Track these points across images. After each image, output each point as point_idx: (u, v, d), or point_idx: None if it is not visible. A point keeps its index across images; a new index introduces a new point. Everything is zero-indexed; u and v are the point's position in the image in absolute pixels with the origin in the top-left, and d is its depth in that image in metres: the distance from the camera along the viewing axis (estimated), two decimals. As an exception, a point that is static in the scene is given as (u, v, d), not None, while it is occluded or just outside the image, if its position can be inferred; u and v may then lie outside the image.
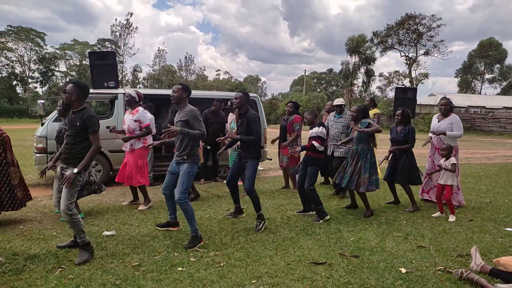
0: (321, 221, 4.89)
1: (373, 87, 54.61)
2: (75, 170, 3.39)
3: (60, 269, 3.25)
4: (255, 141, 4.60)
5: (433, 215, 5.31)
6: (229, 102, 6.95)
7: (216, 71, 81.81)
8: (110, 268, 3.31)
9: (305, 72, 62.59)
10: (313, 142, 4.97)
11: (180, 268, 3.35)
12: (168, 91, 8.55)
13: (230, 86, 57.47)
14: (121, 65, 50.35)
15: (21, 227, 4.44)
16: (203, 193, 6.49)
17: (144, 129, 5.39)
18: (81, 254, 3.46)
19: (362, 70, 48.18)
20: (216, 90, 41.78)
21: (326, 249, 3.91)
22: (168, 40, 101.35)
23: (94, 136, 3.51)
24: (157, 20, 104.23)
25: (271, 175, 8.86)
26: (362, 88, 49.75)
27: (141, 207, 5.46)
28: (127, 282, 3.05)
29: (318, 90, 66.04)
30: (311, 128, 5.15)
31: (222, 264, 3.46)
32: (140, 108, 5.44)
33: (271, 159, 8.79)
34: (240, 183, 6.98)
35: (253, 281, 3.11)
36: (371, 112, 7.33)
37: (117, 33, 52.63)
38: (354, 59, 47.49)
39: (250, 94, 8.82)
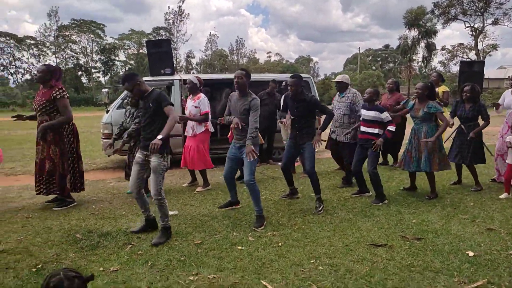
0: (380, 203, 4.76)
1: (435, 62, 51.37)
2: (160, 137, 3.38)
3: (130, 246, 3.50)
4: (332, 115, 4.83)
5: (500, 196, 4.97)
6: (283, 83, 6.93)
7: (267, 53, 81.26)
8: (175, 245, 3.50)
9: (359, 50, 60.52)
10: (389, 128, 4.82)
11: (239, 247, 3.46)
12: (222, 76, 8.65)
13: (282, 68, 57.03)
14: (175, 52, 51.77)
15: (93, 207, 4.82)
16: (258, 175, 6.57)
17: (202, 116, 5.52)
18: (160, 235, 3.62)
19: (422, 44, 45.28)
20: (267, 73, 41.71)
21: (386, 231, 3.82)
22: (219, 24, 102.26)
23: (168, 108, 3.53)
24: (208, 6, 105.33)
25: (325, 157, 8.75)
26: (422, 64, 47.00)
27: (199, 189, 5.67)
28: (191, 259, 3.21)
29: (374, 68, 63.46)
30: (365, 108, 4.97)
31: (280, 244, 3.52)
32: (202, 95, 5.58)
33: (324, 141, 8.66)
34: (297, 163, 7.07)
35: (312, 261, 3.14)
36: (439, 90, 6.87)
37: (170, 21, 54.03)
38: (413, 33, 44.67)
39: (303, 76, 8.72)
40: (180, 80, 7.72)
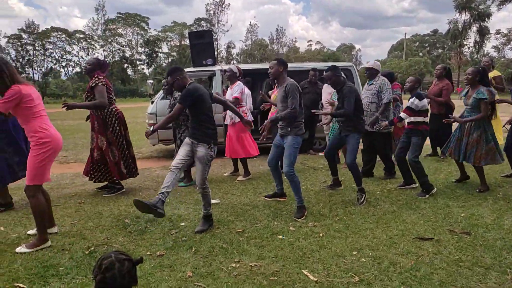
0: (426, 195, 4.59)
1: (487, 47, 48.22)
2: (151, 128, 3.73)
3: (175, 232, 3.63)
4: (347, 114, 4.40)
5: None
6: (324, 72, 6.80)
7: (308, 41, 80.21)
8: (217, 233, 3.58)
9: (405, 36, 57.85)
10: (401, 114, 4.67)
11: (280, 236, 3.48)
12: (263, 65, 8.64)
13: (323, 56, 55.94)
14: (216, 42, 52.29)
15: (140, 194, 5.03)
16: (298, 165, 6.54)
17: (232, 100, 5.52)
18: (202, 223, 3.71)
19: (474, 28, 42.74)
20: (307, 62, 41.10)
21: (432, 225, 3.69)
22: (260, 13, 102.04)
23: (176, 106, 3.65)
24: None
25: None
26: (473, 49, 44.32)
27: (240, 178, 5.74)
28: (233, 246, 3.28)
29: (421, 54, 60.65)
30: (412, 97, 4.78)
31: (321, 234, 3.50)
32: (238, 82, 5.62)
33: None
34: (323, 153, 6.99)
35: (354, 253, 3.10)
36: (491, 75, 6.47)
37: (211, 12, 54.56)
38: (464, 16, 42.22)
39: (344, 64, 8.50)
40: (221, 70, 7.81)
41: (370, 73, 5.51)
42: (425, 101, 4.70)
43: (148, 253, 3.16)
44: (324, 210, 4.22)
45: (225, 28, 56.35)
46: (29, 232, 3.61)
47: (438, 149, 7.09)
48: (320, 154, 7.72)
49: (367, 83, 5.59)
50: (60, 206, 4.50)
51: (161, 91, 7.93)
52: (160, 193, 3.50)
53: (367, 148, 5.71)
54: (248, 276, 2.75)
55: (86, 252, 3.19)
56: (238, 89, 5.59)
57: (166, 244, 3.34)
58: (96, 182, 4.99)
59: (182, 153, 3.67)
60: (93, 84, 4.64)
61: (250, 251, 3.18)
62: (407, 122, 4.82)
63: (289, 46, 63.39)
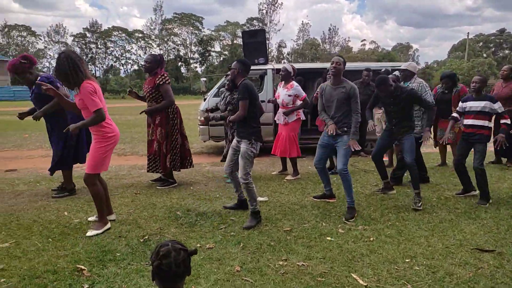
0: (487, 204, 4.31)
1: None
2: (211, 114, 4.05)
3: (224, 226, 3.70)
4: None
5: None
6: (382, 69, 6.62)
7: (361, 41, 78.18)
8: (265, 231, 3.61)
9: (467, 35, 54.24)
10: (504, 121, 4.35)
11: (329, 238, 3.43)
12: (314, 65, 8.53)
13: (377, 56, 54.28)
14: (268, 41, 52.53)
15: (191, 188, 5.18)
16: (349, 167, 6.38)
17: (302, 101, 5.59)
18: (250, 219, 3.76)
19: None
20: (360, 62, 40.02)
21: (494, 236, 3.45)
22: (312, 12, 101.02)
23: (240, 103, 3.76)
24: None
25: (423, 151, 8.15)
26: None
27: (288, 177, 5.73)
28: (280, 245, 3.28)
29: (485, 55, 56.80)
30: (470, 99, 4.48)
31: (371, 239, 3.40)
32: (295, 83, 5.63)
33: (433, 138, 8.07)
34: (385, 158, 6.76)
35: (407, 260, 2.98)
36: None
37: (264, 11, 54.87)
38: (536, 14, 38.82)
39: (399, 64, 8.15)
40: (273, 69, 7.84)
41: (405, 75, 5.25)
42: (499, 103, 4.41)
43: (198, 245, 3.25)
44: (375, 214, 4.10)
45: (276, 27, 56.54)
46: (90, 218, 3.86)
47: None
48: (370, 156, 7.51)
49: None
50: (118, 195, 4.76)
51: (213, 89, 8.12)
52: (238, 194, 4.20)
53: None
54: (295, 275, 2.74)
55: (141, 240, 3.34)
56: (299, 89, 5.60)
57: (215, 238, 3.41)
58: (150, 172, 5.21)
59: (228, 158, 4.02)
60: (160, 82, 4.86)
61: (297, 251, 3.16)
62: (468, 125, 4.51)
63: (341, 45, 62.20)
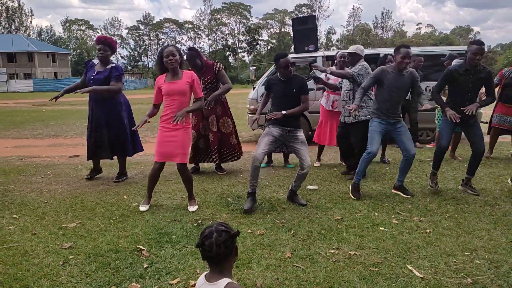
0: (559, 198, 3.98)
1: None
2: (283, 112, 3.85)
3: (275, 213, 3.74)
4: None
5: None
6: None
7: (417, 25, 74.13)
8: (315, 219, 3.59)
9: (536, 15, 49.64)
10: None
11: (382, 228, 3.34)
12: (367, 51, 8.25)
13: (434, 40, 51.35)
14: (317, 28, 51.54)
15: (241, 175, 5.27)
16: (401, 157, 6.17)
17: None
18: (300, 198, 4.10)
19: None
20: (415, 46, 38.10)
21: None
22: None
23: (306, 97, 4.02)
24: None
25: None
26: None
27: (316, 164, 5.88)
28: (331, 233, 3.25)
29: (556, 36, 51.66)
30: None
31: (428, 230, 3.27)
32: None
33: (486, 122, 7.56)
34: (431, 145, 6.55)
35: (466, 253, 2.83)
36: None
37: (313, -4, 53.71)
38: None
39: (459, 48, 7.63)
40: (323, 56, 7.69)
41: (353, 59, 4.96)
42: None
43: (249, 231, 3.31)
44: (431, 205, 3.93)
45: (326, 13, 55.16)
46: (191, 208, 3.87)
47: None
48: (428, 146, 7.17)
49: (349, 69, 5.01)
50: (172, 181, 4.95)
51: (263, 77, 8.13)
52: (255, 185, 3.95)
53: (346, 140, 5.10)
54: (348, 263, 2.71)
55: (195, 224, 3.47)
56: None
57: (265, 225, 3.45)
58: (225, 162, 5.37)
59: (265, 144, 3.95)
60: (219, 69, 5.00)
61: (349, 240, 3.12)
62: None
63: (395, 30, 59.44)
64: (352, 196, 4.18)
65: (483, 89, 4.22)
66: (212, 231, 1.52)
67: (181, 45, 61.02)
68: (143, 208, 3.86)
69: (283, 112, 3.84)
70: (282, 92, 3.95)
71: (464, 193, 4.29)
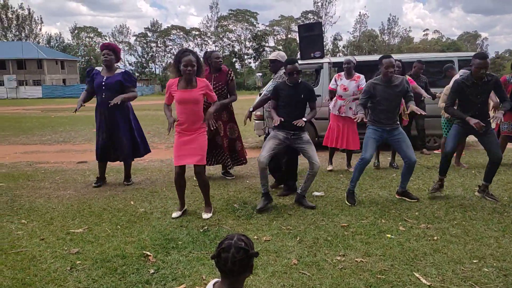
0: None
1: None
2: (305, 119, 3.96)
3: (281, 220, 3.73)
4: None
5: None
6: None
7: (424, 31, 74.00)
8: (321, 225, 3.58)
9: (545, 20, 49.31)
10: None
11: (388, 235, 3.32)
12: (372, 57, 8.25)
13: (441, 46, 51.15)
14: (323, 35, 51.71)
15: (247, 181, 5.28)
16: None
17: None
18: (307, 201, 4.17)
19: None
20: (422, 52, 37.94)
21: None
22: (370, 2, 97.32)
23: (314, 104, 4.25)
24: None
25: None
26: None
27: (329, 168, 5.86)
28: (337, 240, 3.24)
29: None
30: None
31: (435, 238, 3.25)
32: (360, 74, 5.59)
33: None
34: (438, 151, 6.52)
35: (474, 261, 2.81)
36: None
37: (319, 3, 53.90)
38: None
39: (466, 54, 7.61)
40: (329, 63, 7.70)
41: (275, 65, 4.78)
42: None
43: (255, 237, 3.31)
44: (438, 212, 3.90)
45: (332, 20, 55.32)
46: (205, 215, 3.85)
47: None
48: (435, 152, 7.12)
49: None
50: (178, 187, 4.97)
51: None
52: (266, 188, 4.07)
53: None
54: (354, 271, 2.70)
55: (201, 230, 3.48)
56: (364, 80, 5.49)
57: (271, 231, 3.45)
58: (235, 166, 5.46)
59: (270, 147, 4.02)
60: (232, 78, 5.12)
61: (355, 247, 3.11)
62: None
63: (401, 36, 59.36)
64: (347, 202, 4.20)
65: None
66: (231, 245, 1.43)
67: (189, 52, 61.47)
68: (175, 214, 3.87)
69: (304, 119, 3.98)
70: (290, 98, 4.03)
71: (471, 200, 4.25)
